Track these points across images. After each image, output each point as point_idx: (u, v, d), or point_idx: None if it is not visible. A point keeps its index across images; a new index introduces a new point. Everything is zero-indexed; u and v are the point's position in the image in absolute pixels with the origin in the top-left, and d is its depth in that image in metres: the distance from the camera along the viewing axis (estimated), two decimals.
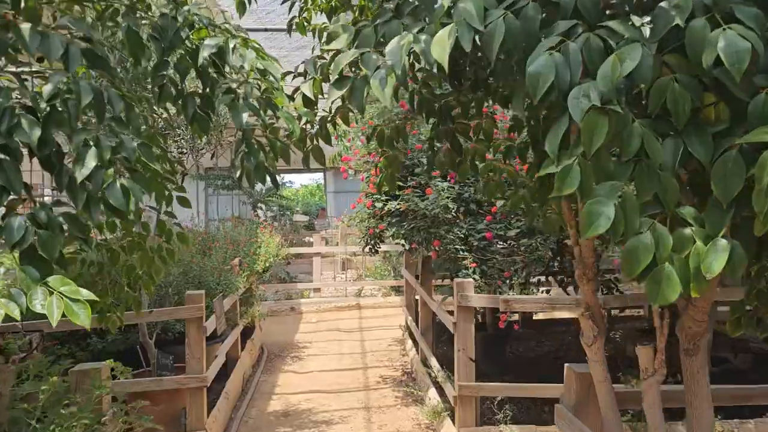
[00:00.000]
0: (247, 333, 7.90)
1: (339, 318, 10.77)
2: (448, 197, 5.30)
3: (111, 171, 1.69)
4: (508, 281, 5.19)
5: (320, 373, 7.55)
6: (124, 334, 5.56)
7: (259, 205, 16.90)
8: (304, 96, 2.25)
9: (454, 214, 5.42)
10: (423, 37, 1.84)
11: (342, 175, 7.33)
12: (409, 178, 5.61)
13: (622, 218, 1.49)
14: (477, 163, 3.35)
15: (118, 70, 3.43)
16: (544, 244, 5.11)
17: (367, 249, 6.65)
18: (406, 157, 5.21)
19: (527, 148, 3.32)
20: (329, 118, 2.86)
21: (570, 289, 6.16)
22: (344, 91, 1.99)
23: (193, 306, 4.88)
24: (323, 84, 2.45)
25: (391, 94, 1.93)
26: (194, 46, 2.05)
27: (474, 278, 5.09)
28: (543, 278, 5.84)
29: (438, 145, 3.16)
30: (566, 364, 2.90)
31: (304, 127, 2.78)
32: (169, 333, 5.85)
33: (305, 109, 2.20)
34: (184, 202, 2.73)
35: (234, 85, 1.94)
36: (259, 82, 2.25)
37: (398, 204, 5.52)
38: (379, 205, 5.78)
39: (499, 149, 3.48)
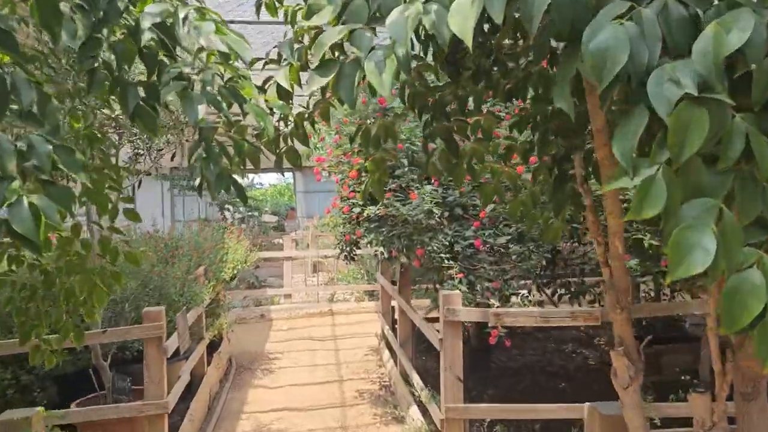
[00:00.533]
0: (214, 345, 7.40)
1: (311, 325, 10.29)
2: (432, 201, 4.88)
3: (16, 184, 1.24)
4: (497, 292, 4.79)
5: (293, 388, 7.08)
6: (75, 355, 5.03)
7: (227, 206, 16.31)
8: (279, 87, 1.80)
9: (438, 220, 5.01)
10: (434, 6, 1.42)
11: (313, 175, 6.86)
12: (389, 181, 5.17)
13: (722, 250, 1.08)
14: (474, 165, 2.94)
15: (62, 59, 2.94)
16: (537, 252, 4.72)
17: (342, 257, 6.20)
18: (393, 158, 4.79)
19: (531, 148, 2.93)
20: (307, 115, 2.42)
21: (557, 298, 5.79)
22: (329, 78, 1.55)
23: (152, 324, 4.38)
24: (302, 73, 2.02)
25: (390, 83, 1.51)
26: (137, 22, 1.59)
27: (460, 289, 4.69)
28: (535, 289, 5.45)
29: (434, 145, 2.74)
30: (587, 404, 2.49)
31: (276, 124, 2.34)
32: (127, 351, 5.33)
33: (280, 102, 1.75)
34: (133, 216, 2.27)
35: (187, 70, 1.49)
36: (222, 69, 1.80)
37: (377, 209, 5.09)
38: (356, 209, 5.34)
39: (499, 150, 3.08)
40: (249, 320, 10.59)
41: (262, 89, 1.82)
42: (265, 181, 30.23)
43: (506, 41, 2.60)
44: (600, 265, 2.17)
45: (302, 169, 15.97)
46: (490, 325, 4.46)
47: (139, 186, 4.70)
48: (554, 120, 2.69)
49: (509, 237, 4.77)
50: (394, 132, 2.72)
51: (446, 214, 5.07)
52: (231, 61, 1.64)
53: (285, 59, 1.83)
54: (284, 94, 1.82)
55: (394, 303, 7.92)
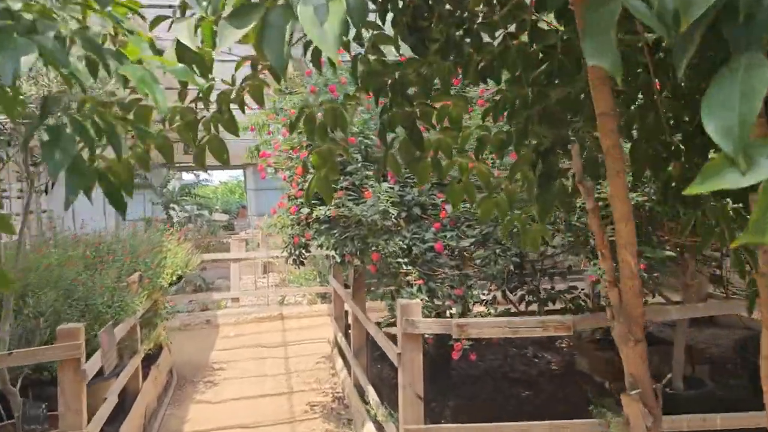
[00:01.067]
0: (153, 357, 6.78)
1: (260, 331, 9.72)
2: (388, 200, 4.41)
3: None
4: (460, 300, 4.35)
5: (238, 402, 6.53)
6: None
7: (172, 205, 15.55)
8: (180, 46, 1.29)
9: (395, 221, 4.54)
10: None
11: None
12: (341, 178, 4.68)
13: None
14: (440, 159, 2.47)
15: None
16: (504, 255, 4.30)
17: (290, 260, 5.69)
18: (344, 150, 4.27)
19: (509, 140, 2.48)
20: (234, 94, 1.92)
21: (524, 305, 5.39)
22: (248, 28, 1.06)
23: (68, 344, 3.80)
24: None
25: (336, 36, 1.02)
26: None
27: (420, 297, 4.24)
28: (500, 295, 5.01)
29: (396, 133, 2.26)
30: None
31: (192, 105, 1.83)
32: (45, 372, 4.71)
33: (180, 66, 1.24)
34: (5, 226, 1.73)
35: (18, 5, 0.97)
36: (113, 31, 1.30)
37: (328, 209, 4.60)
38: (305, 210, 4.83)
39: (470, 141, 2.63)
40: (194, 326, 9.96)
41: (158, 50, 1.31)
42: (215, 178, 29.39)
43: (480, 8, 2.15)
44: (602, 283, 1.74)
45: (252, 165, 15.28)
46: (454, 337, 4.03)
47: (52, 187, 4.11)
48: (536, 105, 2.25)
49: (473, 239, 4.33)
50: (344, 118, 2.24)
51: (404, 214, 4.62)
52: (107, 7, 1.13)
53: (194, 11, 1.33)
54: (190, 58, 1.32)
55: (347, 307, 7.44)
